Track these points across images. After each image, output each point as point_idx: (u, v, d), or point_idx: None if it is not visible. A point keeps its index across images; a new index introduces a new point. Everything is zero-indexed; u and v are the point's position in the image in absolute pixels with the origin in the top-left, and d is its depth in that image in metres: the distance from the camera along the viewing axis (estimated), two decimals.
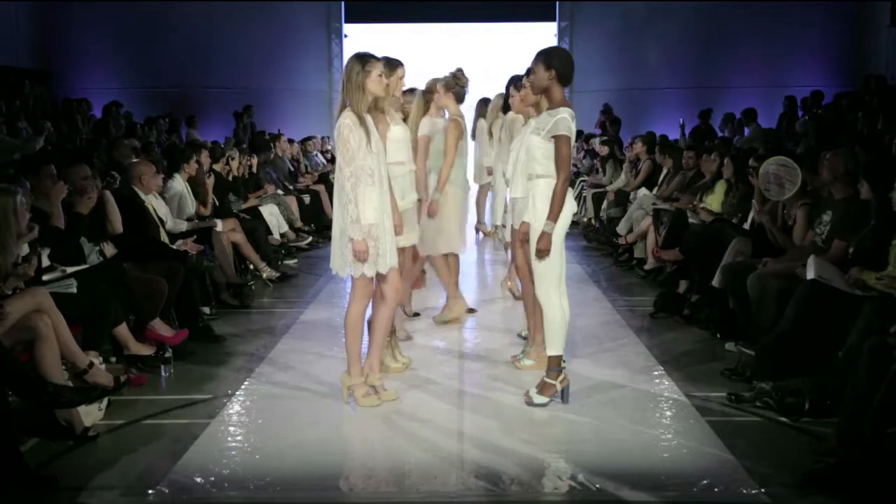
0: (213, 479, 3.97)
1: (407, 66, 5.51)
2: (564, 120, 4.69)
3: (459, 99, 6.33)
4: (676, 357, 5.81)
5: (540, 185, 4.77)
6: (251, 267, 8.30)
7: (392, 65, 5.32)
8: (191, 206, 7.84)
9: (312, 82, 18.24)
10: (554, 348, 4.83)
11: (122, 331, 5.41)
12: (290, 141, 13.27)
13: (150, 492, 3.85)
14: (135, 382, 5.26)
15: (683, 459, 4.19)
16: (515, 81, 6.01)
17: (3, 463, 3.83)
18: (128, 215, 6.35)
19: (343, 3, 18.30)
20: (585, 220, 11.62)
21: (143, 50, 17.14)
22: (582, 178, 12.50)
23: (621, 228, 9.47)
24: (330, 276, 7.99)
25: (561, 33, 18.07)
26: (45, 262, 5.26)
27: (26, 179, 5.62)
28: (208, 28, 17.39)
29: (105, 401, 4.73)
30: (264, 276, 8.30)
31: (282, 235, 9.96)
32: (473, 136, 10.21)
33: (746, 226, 6.84)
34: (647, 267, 8.48)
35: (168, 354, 5.54)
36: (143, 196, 6.76)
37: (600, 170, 12.25)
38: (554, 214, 4.69)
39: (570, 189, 4.88)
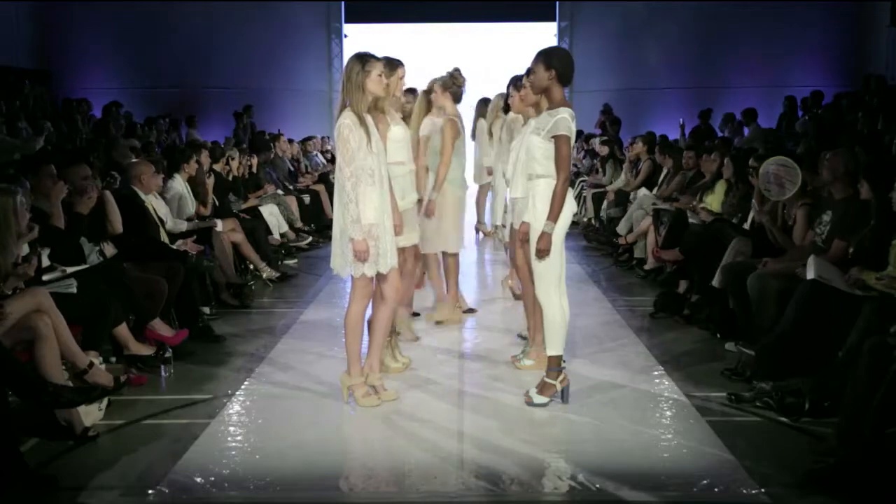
0: (213, 479, 3.97)
1: (407, 66, 5.52)
2: (564, 120, 4.69)
3: (456, 98, 6.33)
4: (676, 357, 5.81)
5: (540, 185, 4.77)
6: (251, 267, 8.30)
7: (392, 65, 5.33)
8: (191, 206, 7.84)
9: (312, 82, 18.24)
10: (554, 348, 4.83)
11: (122, 331, 5.41)
12: (290, 141, 13.27)
13: (150, 492, 3.85)
14: (135, 382, 5.26)
15: (683, 459, 4.19)
16: (515, 81, 6.01)
17: (3, 463, 3.83)
18: (128, 215, 6.35)
19: (343, 3, 18.30)
20: (585, 220, 11.62)
21: (143, 50, 17.14)
22: (582, 178, 12.50)
23: (621, 228, 9.47)
24: (330, 276, 8.00)
25: (561, 33, 18.07)
26: (45, 262, 5.26)
27: (26, 179, 5.62)
28: (208, 28, 17.39)
29: (105, 401, 4.73)
30: (264, 276, 8.30)
31: (282, 235, 9.96)
32: (473, 136, 10.22)
33: (746, 226, 6.84)
34: (647, 267, 8.48)
35: (168, 354, 5.54)
36: (142, 196, 6.76)
37: (600, 170, 12.25)
38: (554, 214, 4.69)
39: (570, 189, 4.88)
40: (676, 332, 6.49)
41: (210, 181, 8.15)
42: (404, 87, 5.95)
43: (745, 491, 3.82)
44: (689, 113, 15.22)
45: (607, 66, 17.54)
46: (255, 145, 12.00)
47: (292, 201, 10.79)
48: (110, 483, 3.97)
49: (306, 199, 11.41)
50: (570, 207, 4.81)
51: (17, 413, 4.31)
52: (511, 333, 6.28)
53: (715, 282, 6.23)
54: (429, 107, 6.41)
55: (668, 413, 4.84)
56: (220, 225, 7.82)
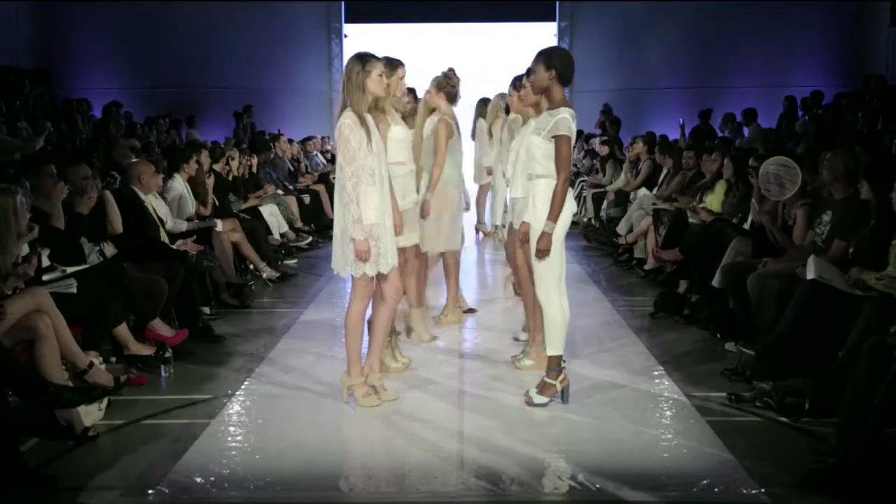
0: (213, 479, 3.97)
1: (407, 66, 5.52)
2: (565, 120, 4.69)
3: (451, 98, 6.32)
4: (676, 357, 5.81)
5: (540, 185, 4.77)
6: (251, 267, 8.30)
7: (392, 65, 5.32)
8: (191, 206, 7.84)
9: (312, 82, 18.24)
10: (554, 348, 4.83)
11: (122, 331, 5.41)
12: (290, 141, 13.27)
13: (150, 492, 3.85)
14: (135, 382, 5.26)
15: (683, 459, 4.19)
16: (515, 82, 6.01)
17: (3, 463, 3.83)
18: (128, 215, 6.35)
19: (343, 3, 18.30)
20: (585, 220, 11.62)
21: (143, 50, 17.14)
22: (582, 178, 12.50)
23: (621, 228, 9.47)
24: (330, 276, 8.00)
25: (561, 33, 18.07)
26: (45, 262, 5.26)
27: (26, 179, 5.62)
28: (208, 28, 17.39)
29: (105, 401, 4.73)
30: (264, 276, 8.30)
31: (282, 235, 9.96)
32: (473, 136, 10.22)
33: (746, 226, 6.84)
34: (647, 267, 8.48)
35: (168, 354, 5.54)
36: (142, 196, 6.77)
37: (600, 170, 12.25)
38: (554, 214, 4.69)
39: (570, 189, 4.88)
40: (676, 332, 6.49)
41: (210, 181, 8.15)
42: (406, 88, 5.96)
43: (745, 491, 3.82)
44: (689, 113, 15.21)
45: (607, 66, 17.54)
46: (255, 145, 12.00)
47: (292, 201, 10.79)
48: (110, 483, 3.97)
49: (306, 199, 11.41)
50: (570, 207, 4.80)
51: (17, 413, 4.31)
52: (511, 334, 6.27)
53: (715, 282, 6.23)
54: (433, 107, 6.41)
55: (668, 413, 4.84)
56: (220, 225, 7.82)
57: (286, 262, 9.44)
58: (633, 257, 9.07)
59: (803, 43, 16.73)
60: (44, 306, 4.56)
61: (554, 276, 4.79)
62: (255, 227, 8.63)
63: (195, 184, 8.01)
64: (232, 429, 4.62)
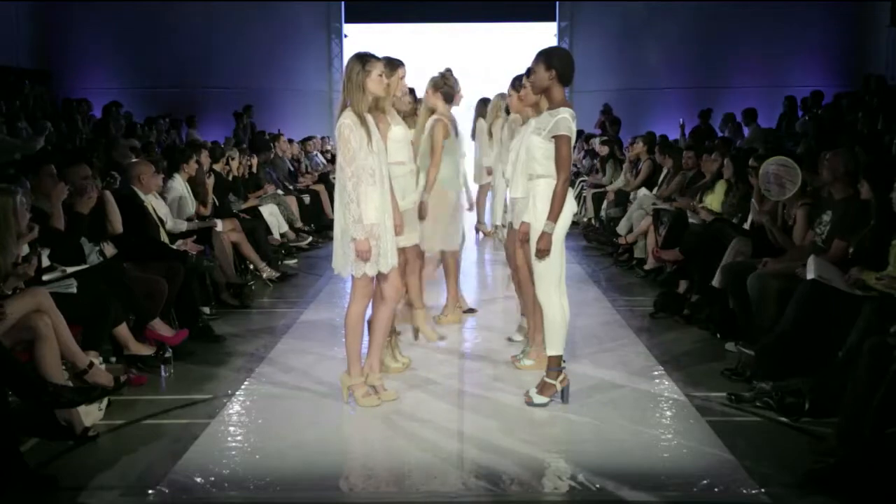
0: (213, 479, 3.97)
1: (407, 66, 5.52)
2: (565, 120, 4.69)
3: (447, 99, 6.32)
4: (676, 357, 5.81)
5: (540, 185, 4.77)
6: (251, 267, 8.30)
7: (393, 65, 5.32)
8: (191, 206, 7.84)
9: (312, 82, 18.24)
10: (554, 348, 4.83)
11: (122, 331, 5.41)
12: (290, 141, 13.27)
13: (150, 492, 3.85)
14: (135, 382, 5.26)
15: (683, 459, 4.19)
16: (515, 82, 6.01)
17: (3, 463, 3.83)
18: (128, 215, 6.35)
19: (343, 3, 18.30)
20: (585, 220, 11.62)
21: (143, 50, 17.14)
22: (582, 178, 12.50)
23: (621, 228, 9.47)
24: (330, 276, 8.01)
25: (561, 33, 18.07)
26: (45, 262, 5.26)
27: (26, 179, 5.62)
28: (208, 28, 17.39)
29: (105, 401, 4.73)
30: (264, 276, 8.30)
31: (282, 235, 9.96)
32: (473, 136, 10.21)
33: (746, 226, 6.84)
34: (647, 267, 8.48)
35: (168, 354, 5.54)
36: (142, 196, 6.77)
37: (600, 170, 12.25)
38: (554, 215, 4.69)
39: (570, 189, 4.88)
40: (676, 332, 6.49)
41: (210, 181, 8.15)
42: (407, 88, 5.95)
43: (745, 491, 3.82)
44: (689, 113, 15.21)
45: (607, 66, 17.54)
46: (255, 145, 12.00)
47: (292, 201, 10.79)
48: (110, 483, 3.97)
49: (306, 199, 11.41)
50: (570, 207, 4.80)
51: (17, 413, 4.31)
52: (512, 334, 6.27)
53: (715, 282, 6.23)
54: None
55: (668, 413, 4.84)
56: (220, 225, 7.82)
57: (286, 262, 9.44)
58: (633, 257, 9.07)
59: (803, 43, 16.73)
60: (44, 306, 4.56)
61: (554, 276, 4.79)
62: (255, 227, 8.63)
63: (195, 184, 8.01)
64: (232, 429, 4.62)
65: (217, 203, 8.36)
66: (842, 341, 4.57)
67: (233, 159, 9.66)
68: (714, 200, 7.86)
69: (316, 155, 14.45)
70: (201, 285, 6.83)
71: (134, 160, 7.95)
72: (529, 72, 4.98)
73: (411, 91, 6.45)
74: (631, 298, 7.67)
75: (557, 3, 18.20)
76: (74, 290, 5.04)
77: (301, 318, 6.98)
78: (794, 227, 5.99)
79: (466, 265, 8.41)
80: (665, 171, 9.74)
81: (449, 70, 6.37)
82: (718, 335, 6.14)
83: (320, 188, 11.98)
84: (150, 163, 7.15)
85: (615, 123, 14.49)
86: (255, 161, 10.50)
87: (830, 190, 5.68)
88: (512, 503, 3.82)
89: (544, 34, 17.48)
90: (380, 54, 4.85)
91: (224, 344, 6.25)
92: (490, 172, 8.59)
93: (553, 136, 4.69)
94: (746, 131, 13.48)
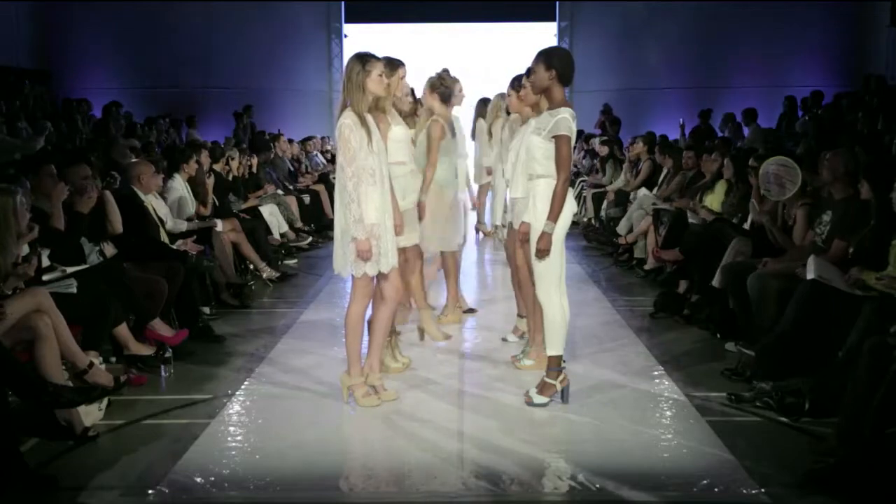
0: (213, 479, 3.97)
1: (407, 66, 5.52)
2: (565, 120, 4.69)
3: (444, 99, 6.32)
4: (676, 357, 5.81)
5: (540, 185, 4.77)
6: (251, 267, 8.30)
7: (393, 65, 5.32)
8: (191, 206, 7.84)
9: (312, 82, 18.24)
10: (554, 348, 4.83)
11: (122, 331, 5.41)
12: (290, 141, 13.28)
13: (150, 492, 3.85)
14: (135, 382, 5.26)
15: (683, 459, 4.19)
16: (514, 82, 6.01)
17: (3, 463, 3.83)
18: (128, 215, 6.35)
19: (343, 3, 18.31)
20: (585, 220, 11.62)
21: (143, 50, 17.15)
22: (582, 178, 12.50)
23: (621, 228, 9.47)
24: (330, 276, 8.01)
25: (561, 33, 18.08)
26: (45, 262, 5.26)
27: (26, 179, 5.62)
28: (208, 28, 17.40)
29: (105, 401, 4.73)
30: (264, 276, 8.30)
31: (282, 235, 9.97)
32: (473, 136, 10.21)
33: (746, 226, 6.84)
34: (647, 267, 8.48)
35: (168, 354, 5.54)
36: (142, 196, 6.77)
37: (600, 170, 12.25)
38: (554, 215, 4.69)
39: (570, 189, 4.88)
40: (676, 332, 6.49)
41: (210, 181, 8.15)
42: (409, 88, 5.94)
43: (745, 491, 3.82)
44: (689, 113, 15.22)
45: (607, 66, 17.55)
46: (255, 145, 12.00)
47: (292, 201, 10.79)
48: (110, 483, 3.97)
49: (306, 199, 11.42)
50: (570, 207, 4.80)
51: (17, 413, 4.31)
52: (507, 334, 6.27)
53: (715, 282, 6.23)
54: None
55: (668, 413, 4.84)
56: (220, 225, 7.82)
57: (286, 262, 9.44)
58: (633, 257, 9.07)
59: (803, 43, 16.74)
60: (44, 306, 4.56)
61: (554, 276, 4.79)
62: (255, 227, 8.63)
63: (195, 184, 8.01)
64: (232, 429, 4.62)
65: (217, 203, 8.36)
66: (842, 341, 4.57)
67: (233, 159, 9.66)
68: (714, 200, 7.87)
69: (316, 155, 14.46)
70: (201, 285, 6.83)
71: (134, 160, 7.96)
72: (529, 72, 4.98)
73: (411, 91, 6.44)
74: (631, 298, 7.67)
75: (557, 3, 18.21)
76: (74, 290, 5.04)
77: (301, 318, 6.98)
78: (794, 227, 5.99)
79: (466, 265, 8.41)
80: (665, 171, 9.74)
81: (446, 70, 6.37)
82: (718, 335, 6.14)
83: (320, 188, 11.98)
84: (150, 163, 7.15)
85: (615, 123, 14.50)
86: (255, 161, 10.50)
87: (830, 190, 5.68)
88: (512, 503, 3.82)
89: (544, 34, 17.49)
90: (380, 54, 4.85)
91: (224, 344, 6.25)
92: (490, 172, 8.58)
93: (553, 136, 4.69)
94: (746, 131, 13.49)
